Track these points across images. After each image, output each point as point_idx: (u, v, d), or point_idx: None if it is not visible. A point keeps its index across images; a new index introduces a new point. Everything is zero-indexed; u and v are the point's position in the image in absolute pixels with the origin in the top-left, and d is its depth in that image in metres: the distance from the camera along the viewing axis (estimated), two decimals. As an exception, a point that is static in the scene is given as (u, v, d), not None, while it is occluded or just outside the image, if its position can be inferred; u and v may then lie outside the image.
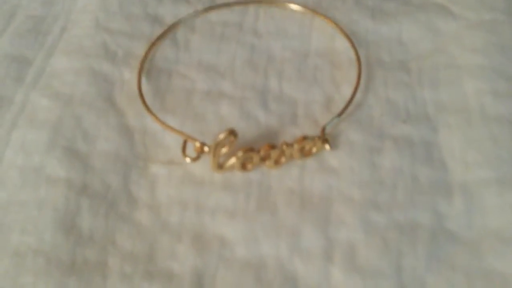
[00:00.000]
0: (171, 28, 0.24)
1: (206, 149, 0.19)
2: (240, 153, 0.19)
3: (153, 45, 0.24)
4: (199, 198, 0.19)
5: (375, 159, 0.20)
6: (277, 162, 0.19)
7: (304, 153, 0.20)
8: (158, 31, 0.24)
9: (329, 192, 0.19)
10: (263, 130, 0.21)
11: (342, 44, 0.24)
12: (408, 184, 0.19)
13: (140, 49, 0.24)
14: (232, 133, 0.18)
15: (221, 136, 0.18)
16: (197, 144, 0.19)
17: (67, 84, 0.23)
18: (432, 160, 0.19)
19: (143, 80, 0.23)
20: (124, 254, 0.18)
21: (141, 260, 0.17)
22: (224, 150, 0.19)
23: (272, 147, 0.19)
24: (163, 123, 0.20)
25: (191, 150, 0.20)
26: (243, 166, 0.19)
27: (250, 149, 0.19)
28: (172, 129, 0.20)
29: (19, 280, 0.17)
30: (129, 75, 0.23)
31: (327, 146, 0.19)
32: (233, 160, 0.19)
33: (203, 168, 0.20)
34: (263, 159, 0.19)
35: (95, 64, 0.23)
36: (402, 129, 0.20)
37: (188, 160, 0.19)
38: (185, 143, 0.20)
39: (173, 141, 0.21)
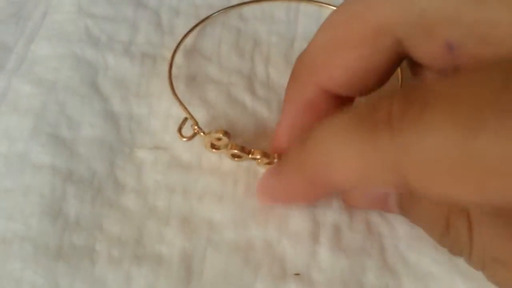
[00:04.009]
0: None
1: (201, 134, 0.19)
2: (231, 151, 0.19)
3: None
4: (187, 183, 0.19)
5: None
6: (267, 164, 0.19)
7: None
8: (143, 15, 0.24)
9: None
10: (250, 115, 0.21)
11: (327, 28, 0.24)
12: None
13: (123, 34, 0.23)
14: (225, 134, 0.18)
15: (215, 135, 0.18)
16: (195, 127, 0.19)
17: (50, 70, 0.22)
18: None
19: (127, 65, 0.22)
20: (112, 238, 0.18)
21: (129, 245, 0.18)
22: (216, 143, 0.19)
23: (265, 154, 0.18)
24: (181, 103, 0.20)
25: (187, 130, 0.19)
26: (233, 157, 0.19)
27: (242, 148, 0.18)
28: (181, 103, 0.20)
29: (7, 267, 0.17)
30: (113, 60, 0.23)
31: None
32: (224, 151, 0.19)
33: (190, 153, 0.20)
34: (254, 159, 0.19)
35: (78, 50, 0.23)
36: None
37: (183, 138, 0.19)
38: (185, 120, 0.19)
39: (159, 126, 0.21)
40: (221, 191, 0.19)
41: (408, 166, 0.11)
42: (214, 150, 0.19)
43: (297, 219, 0.18)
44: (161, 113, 0.21)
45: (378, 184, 0.13)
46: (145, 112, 0.21)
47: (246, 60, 0.23)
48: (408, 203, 0.16)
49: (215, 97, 0.21)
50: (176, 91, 0.22)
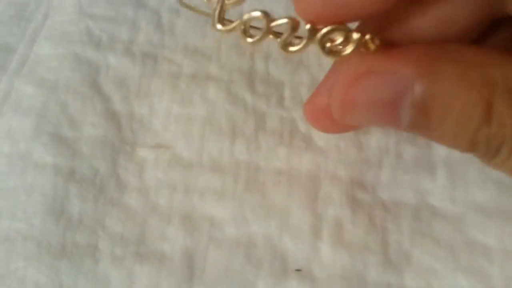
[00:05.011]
0: None
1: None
2: (245, 18, 0.15)
3: None
4: (188, 181, 0.19)
5: (362, 139, 0.20)
6: (286, 46, 0.15)
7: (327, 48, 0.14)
8: (143, 15, 0.24)
9: (316, 171, 0.19)
10: (250, 112, 0.21)
11: (327, 25, 0.24)
12: (393, 163, 0.19)
13: (124, 34, 0.23)
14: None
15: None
16: None
17: (52, 70, 0.22)
18: (416, 138, 0.20)
19: (128, 65, 0.22)
20: (114, 237, 0.18)
21: (131, 243, 0.18)
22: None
23: (294, 23, 0.14)
24: None
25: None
26: (245, 32, 0.15)
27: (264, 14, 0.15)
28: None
29: (10, 266, 0.17)
30: (114, 60, 0.23)
31: (372, 46, 0.14)
32: (236, 23, 0.15)
33: (191, 150, 0.20)
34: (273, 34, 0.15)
35: (79, 50, 0.23)
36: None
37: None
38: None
39: (160, 125, 0.21)
40: (222, 188, 0.19)
41: None
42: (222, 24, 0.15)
43: (299, 214, 0.18)
44: (162, 112, 0.21)
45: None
46: (146, 111, 0.21)
47: (246, 58, 0.23)
48: (432, 99, 0.13)
49: (216, 94, 0.21)
50: (177, 89, 0.22)
